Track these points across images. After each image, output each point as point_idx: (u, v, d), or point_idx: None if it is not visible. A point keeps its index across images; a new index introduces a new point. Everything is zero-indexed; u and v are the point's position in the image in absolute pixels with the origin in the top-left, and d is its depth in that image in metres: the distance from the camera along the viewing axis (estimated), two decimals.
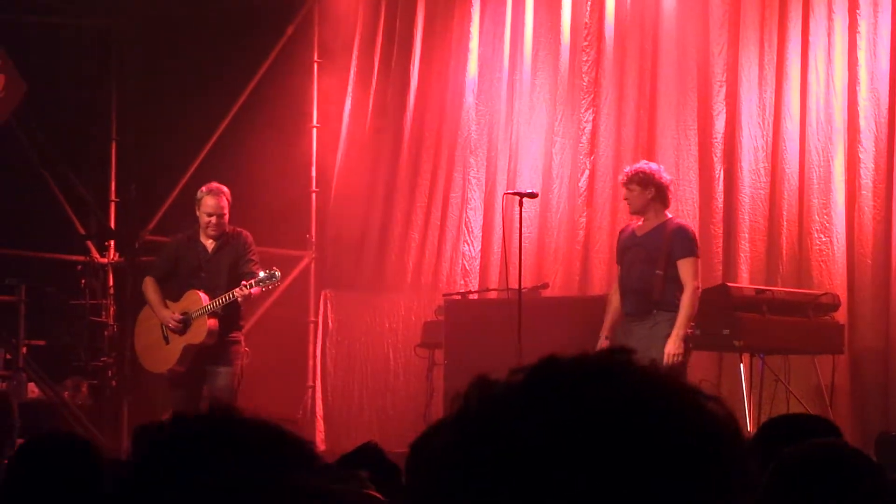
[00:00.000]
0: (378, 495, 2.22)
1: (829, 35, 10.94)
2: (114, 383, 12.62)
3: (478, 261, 12.24)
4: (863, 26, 10.79)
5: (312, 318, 12.83)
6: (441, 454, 1.34)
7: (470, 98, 12.42)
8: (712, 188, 11.25)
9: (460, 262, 12.30)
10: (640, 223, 9.32)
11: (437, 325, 11.22)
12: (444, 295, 11.63)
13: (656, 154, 11.46)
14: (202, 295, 9.36)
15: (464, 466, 1.30)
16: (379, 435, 10.31)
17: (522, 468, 1.26)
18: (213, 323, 9.33)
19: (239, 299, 9.28)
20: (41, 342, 12.39)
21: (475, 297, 11.82)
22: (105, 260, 12.95)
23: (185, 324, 9.40)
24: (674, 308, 8.99)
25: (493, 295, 11.55)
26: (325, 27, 13.13)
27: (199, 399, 9.55)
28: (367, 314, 12.58)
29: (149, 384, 11.90)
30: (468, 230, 12.30)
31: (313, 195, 13.08)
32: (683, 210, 11.30)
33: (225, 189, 9.67)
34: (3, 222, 11.87)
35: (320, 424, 12.52)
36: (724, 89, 11.29)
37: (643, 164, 9.46)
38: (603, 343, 9.20)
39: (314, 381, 12.67)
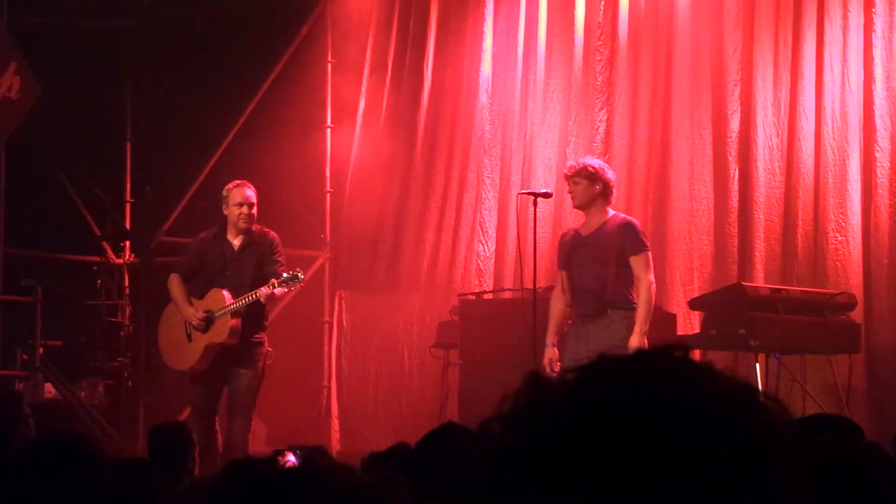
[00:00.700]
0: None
1: (844, 33, 10.92)
2: (130, 383, 12.64)
3: (492, 261, 12.24)
4: (878, 24, 10.77)
5: (327, 319, 12.84)
6: (497, 455, 1.33)
7: (484, 98, 12.41)
8: (727, 187, 11.23)
9: (475, 261, 12.30)
10: (582, 223, 9.21)
11: (452, 325, 11.22)
12: (458, 295, 11.62)
13: (671, 153, 11.46)
14: (226, 294, 9.34)
15: (519, 466, 1.29)
16: (394, 435, 10.32)
17: (574, 469, 1.26)
18: (235, 322, 9.31)
19: (262, 299, 9.25)
20: (57, 342, 12.44)
21: (490, 296, 11.82)
22: (121, 261, 12.97)
23: (209, 322, 9.39)
24: (628, 306, 8.87)
25: (507, 295, 11.55)
26: (339, 27, 13.14)
27: (218, 397, 9.54)
28: (382, 314, 12.59)
29: (165, 384, 11.93)
30: (482, 230, 12.29)
31: (328, 195, 13.10)
32: (698, 209, 11.30)
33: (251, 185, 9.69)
34: (19, 224, 11.89)
35: (335, 424, 12.53)
36: (738, 88, 11.27)
37: (591, 160, 9.37)
38: (551, 351, 9.07)
39: (329, 382, 12.68)
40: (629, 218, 9.30)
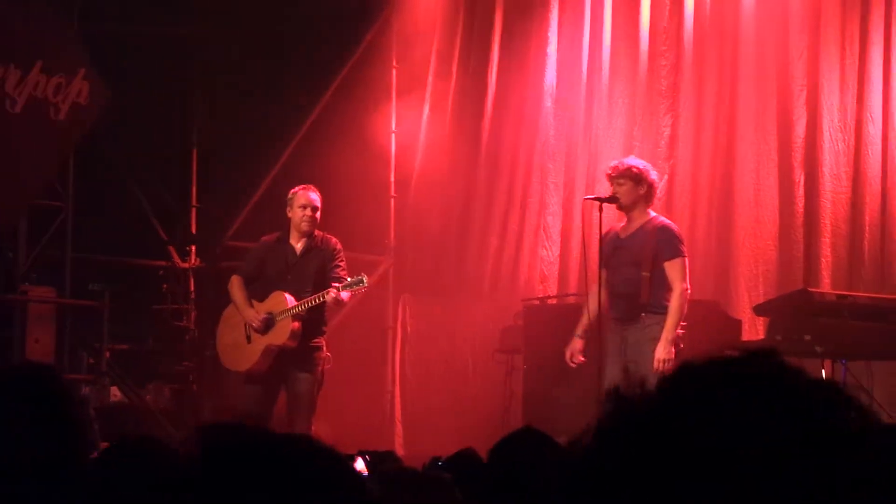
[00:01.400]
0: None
1: None
2: (195, 387, 12.72)
3: (556, 266, 12.22)
4: None
5: (391, 324, 12.87)
6: (583, 470, 1.33)
7: (548, 103, 12.40)
8: (793, 193, 11.16)
9: (538, 266, 12.29)
10: (622, 224, 9.12)
11: (516, 330, 11.21)
12: (522, 300, 11.62)
13: (736, 159, 11.41)
14: (288, 297, 9.37)
15: (604, 483, 1.30)
16: (457, 440, 10.32)
17: (663, 480, 1.26)
18: (296, 325, 9.33)
19: (329, 303, 9.27)
20: (124, 346, 12.53)
21: (554, 301, 11.81)
22: (187, 265, 13.05)
23: (269, 324, 9.43)
24: (662, 311, 8.74)
25: (571, 300, 11.51)
26: (404, 34, 13.17)
27: (274, 400, 9.56)
28: (446, 319, 12.60)
29: (230, 389, 11.99)
30: (546, 235, 12.28)
31: (392, 200, 13.13)
32: (763, 215, 11.23)
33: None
34: (87, 228, 12.00)
35: (399, 429, 12.55)
36: (804, 93, 11.20)
37: (634, 160, 9.20)
38: (575, 342, 9.03)
39: (393, 386, 12.71)
40: (667, 222, 9.16)
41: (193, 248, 13.15)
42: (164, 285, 12.93)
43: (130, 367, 12.33)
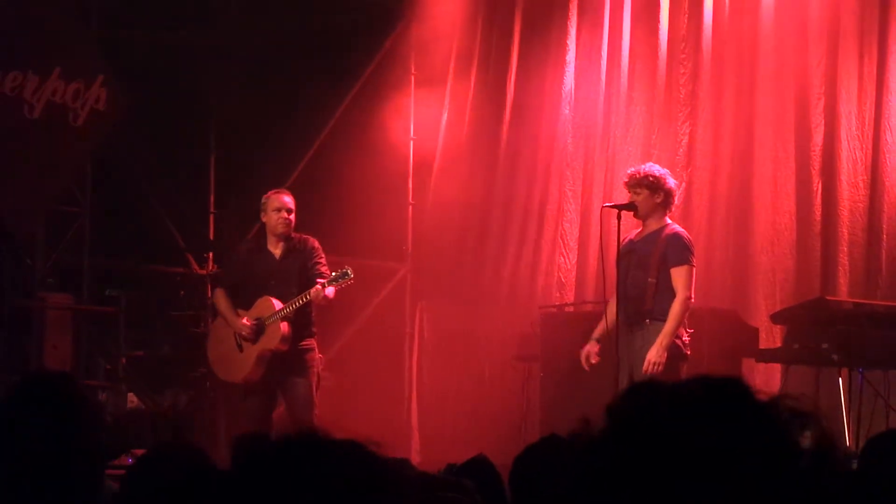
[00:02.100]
0: None
1: None
2: (211, 394, 12.72)
3: (574, 273, 12.21)
4: None
5: (408, 330, 12.87)
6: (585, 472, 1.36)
7: (566, 110, 12.39)
8: (811, 201, 11.14)
9: (556, 274, 12.28)
10: (639, 230, 9.12)
11: (533, 337, 11.20)
12: (540, 307, 11.61)
13: (754, 167, 11.39)
14: (274, 301, 9.38)
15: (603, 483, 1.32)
16: (473, 447, 10.31)
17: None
18: (286, 327, 9.34)
19: (314, 300, 9.25)
20: (140, 353, 12.54)
21: (571, 309, 11.79)
22: (204, 272, 13.06)
23: (259, 330, 9.43)
24: (666, 318, 8.72)
25: (589, 308, 11.48)
26: (422, 41, 13.17)
27: (273, 408, 9.58)
28: (463, 326, 12.60)
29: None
30: (564, 242, 12.27)
31: (410, 207, 13.13)
32: (781, 223, 11.21)
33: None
34: (104, 234, 12.02)
35: (416, 436, 12.55)
36: (822, 101, 11.18)
37: (653, 167, 9.14)
38: (590, 345, 9.01)
39: (410, 393, 12.71)
40: (680, 230, 9.12)
41: (211, 254, 13.14)
42: (182, 292, 12.93)
43: (147, 374, 12.34)
